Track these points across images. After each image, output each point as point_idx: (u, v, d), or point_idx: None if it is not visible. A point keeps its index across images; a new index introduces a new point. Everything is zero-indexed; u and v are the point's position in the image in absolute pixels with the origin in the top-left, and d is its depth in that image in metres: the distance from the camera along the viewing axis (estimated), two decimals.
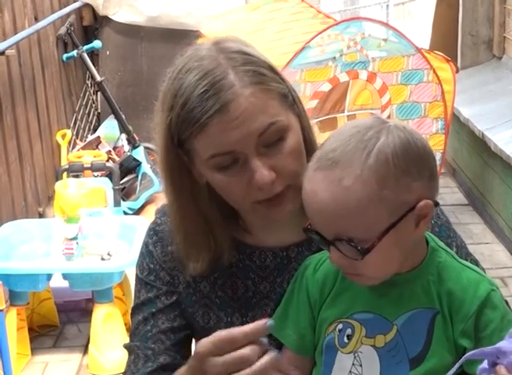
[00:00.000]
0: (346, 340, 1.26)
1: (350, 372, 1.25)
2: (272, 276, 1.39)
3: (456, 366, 1.16)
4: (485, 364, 1.13)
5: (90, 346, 3.35)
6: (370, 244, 1.17)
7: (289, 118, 1.29)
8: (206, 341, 1.16)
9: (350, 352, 1.26)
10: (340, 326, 1.27)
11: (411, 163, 1.18)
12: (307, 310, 1.31)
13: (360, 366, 1.25)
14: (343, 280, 1.28)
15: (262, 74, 1.26)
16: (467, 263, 1.30)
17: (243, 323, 1.36)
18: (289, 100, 1.30)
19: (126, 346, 1.46)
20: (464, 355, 1.18)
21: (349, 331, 1.26)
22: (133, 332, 1.45)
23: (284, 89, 1.29)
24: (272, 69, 1.29)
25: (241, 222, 1.41)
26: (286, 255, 1.39)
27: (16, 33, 4.24)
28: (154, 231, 1.46)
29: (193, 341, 1.46)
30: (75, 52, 5.36)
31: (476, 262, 1.39)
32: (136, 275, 1.47)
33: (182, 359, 1.40)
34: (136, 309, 1.45)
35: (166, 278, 1.43)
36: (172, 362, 1.39)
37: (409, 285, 1.24)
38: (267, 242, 1.40)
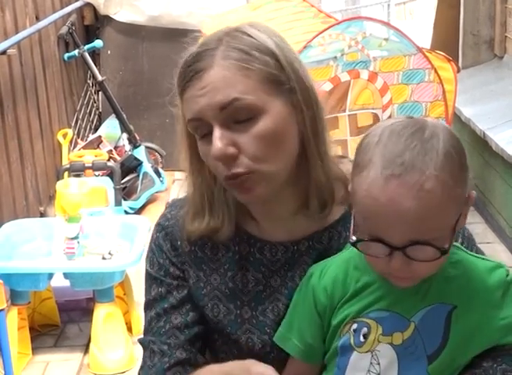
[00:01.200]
0: (362, 339, 1.25)
1: (369, 371, 1.25)
2: (282, 270, 1.39)
3: None
4: None
5: (91, 345, 3.35)
6: (448, 242, 1.18)
7: (271, 103, 1.28)
8: None
9: (367, 351, 1.25)
10: (355, 325, 1.26)
11: (464, 156, 1.22)
12: (315, 318, 1.30)
13: (378, 364, 1.25)
14: (356, 283, 1.28)
15: (248, 54, 1.27)
16: (476, 254, 1.32)
17: (253, 317, 1.39)
18: (284, 88, 1.29)
19: (140, 341, 1.46)
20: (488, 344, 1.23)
21: (365, 330, 1.25)
22: (146, 328, 1.45)
23: (275, 75, 1.28)
24: (272, 55, 1.29)
25: (249, 211, 1.41)
26: (297, 248, 1.39)
27: (17, 33, 4.25)
28: (162, 226, 1.46)
29: None
30: (76, 52, 5.36)
31: (482, 254, 1.40)
32: (147, 270, 1.47)
33: (197, 353, 1.42)
34: (148, 305, 1.46)
35: (176, 272, 1.43)
36: (188, 357, 1.40)
37: (424, 281, 1.24)
38: (277, 236, 1.40)
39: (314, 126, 1.33)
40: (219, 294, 1.41)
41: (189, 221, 1.40)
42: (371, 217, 1.18)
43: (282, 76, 1.29)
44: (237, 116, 1.27)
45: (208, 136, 1.29)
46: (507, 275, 1.27)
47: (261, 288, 1.40)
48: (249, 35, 1.30)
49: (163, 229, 1.46)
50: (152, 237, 1.48)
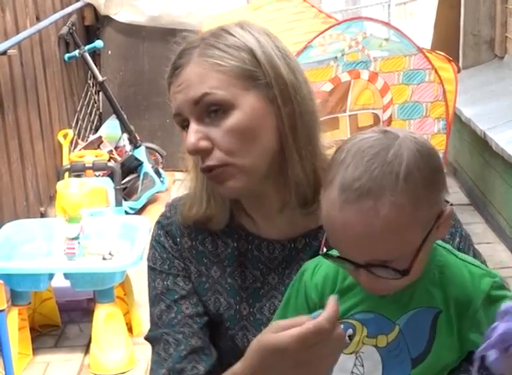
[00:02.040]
0: (347, 339, 1.25)
1: (352, 372, 1.25)
2: (280, 267, 1.41)
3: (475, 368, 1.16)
4: (493, 354, 1.12)
5: (91, 346, 3.35)
6: (408, 263, 1.17)
7: (244, 98, 1.30)
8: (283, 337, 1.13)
9: (351, 353, 1.25)
10: (341, 326, 1.24)
11: (435, 176, 1.18)
12: (307, 313, 1.29)
13: (362, 366, 1.25)
14: (343, 282, 1.28)
15: (223, 51, 1.31)
16: (467, 258, 1.30)
17: (250, 314, 1.40)
18: (259, 83, 1.31)
19: (149, 336, 1.45)
20: (472, 349, 1.19)
21: (350, 331, 1.25)
22: (154, 323, 1.44)
23: (250, 70, 1.31)
24: (250, 52, 1.31)
25: (244, 208, 1.43)
26: (294, 246, 1.40)
27: (17, 33, 4.25)
28: (162, 225, 1.47)
29: None
30: (77, 52, 5.36)
31: (479, 254, 1.40)
32: (149, 267, 1.47)
33: (209, 343, 1.41)
34: (155, 300, 1.45)
35: (181, 265, 1.44)
36: (203, 345, 1.40)
37: (410, 285, 1.23)
38: (273, 234, 1.41)
39: (293, 122, 1.34)
40: (220, 288, 1.42)
41: (186, 209, 1.43)
42: (331, 237, 1.20)
43: (258, 71, 1.31)
44: (210, 111, 1.30)
45: (187, 130, 1.33)
46: (492, 286, 1.24)
47: (258, 285, 1.41)
48: (230, 34, 1.33)
49: (163, 227, 1.47)
50: (153, 235, 1.49)
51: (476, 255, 1.39)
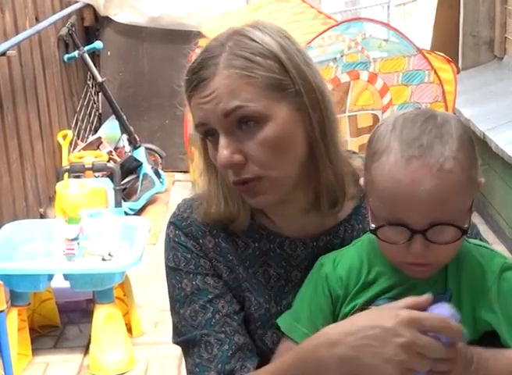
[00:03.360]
0: None
1: None
2: (303, 265, 1.40)
3: None
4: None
5: (91, 347, 3.35)
6: (467, 222, 1.21)
7: (276, 109, 1.28)
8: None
9: None
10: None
11: (473, 142, 1.24)
12: (329, 306, 1.31)
13: None
14: (368, 274, 1.29)
15: (251, 60, 1.27)
16: (478, 242, 1.34)
17: (278, 312, 1.39)
18: (289, 92, 1.29)
19: (184, 340, 1.40)
20: (486, 329, 1.25)
21: None
22: (188, 325, 1.39)
23: (279, 80, 1.28)
24: (276, 59, 1.29)
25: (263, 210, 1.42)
26: (316, 244, 1.40)
27: (17, 34, 4.25)
28: (178, 226, 1.43)
29: None
30: (76, 53, 5.36)
31: (486, 242, 1.41)
32: (172, 268, 1.42)
33: (250, 339, 1.39)
34: (185, 301, 1.40)
35: (208, 264, 1.40)
36: (246, 341, 1.38)
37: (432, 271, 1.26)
38: (295, 233, 1.41)
39: (323, 128, 1.32)
40: (250, 286, 1.41)
41: (205, 208, 1.40)
42: (392, 201, 1.20)
43: (286, 79, 1.29)
44: (241, 124, 1.27)
45: (215, 140, 1.30)
46: (503, 266, 1.28)
47: (283, 283, 1.41)
48: (252, 39, 1.30)
49: (180, 229, 1.43)
50: (169, 236, 1.44)
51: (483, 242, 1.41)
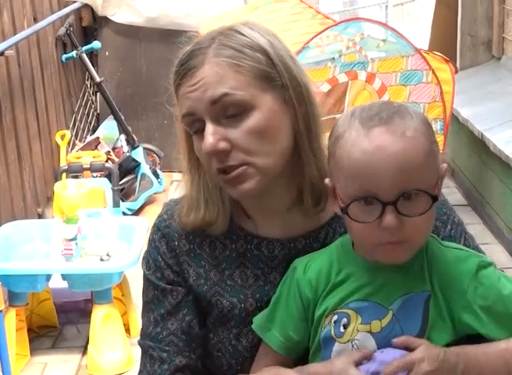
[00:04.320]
0: (342, 329, 1.27)
1: None
2: (281, 266, 1.41)
3: None
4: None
5: (89, 347, 3.35)
6: (436, 190, 1.23)
7: (262, 99, 1.31)
8: None
9: (347, 341, 1.27)
10: (336, 317, 1.28)
11: (432, 128, 1.27)
12: (299, 311, 1.32)
13: None
14: (337, 276, 1.30)
15: (239, 51, 1.30)
16: (451, 244, 1.34)
17: (257, 308, 1.40)
18: (275, 84, 1.32)
19: (139, 344, 1.47)
20: (467, 332, 1.26)
21: (344, 321, 1.27)
22: (144, 331, 1.46)
23: (266, 71, 1.31)
24: (264, 52, 1.32)
25: (243, 208, 1.43)
26: (294, 246, 1.41)
27: (15, 34, 4.24)
28: (158, 227, 1.47)
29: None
30: (74, 53, 5.36)
31: (472, 240, 1.42)
32: (144, 272, 1.48)
33: (197, 358, 1.43)
34: (145, 307, 1.47)
35: (171, 276, 1.44)
36: (188, 363, 1.42)
37: (401, 271, 1.26)
38: (273, 233, 1.42)
39: (307, 122, 1.35)
40: (221, 290, 1.42)
41: (184, 214, 1.42)
42: (360, 174, 1.21)
43: (273, 72, 1.32)
44: (228, 112, 1.30)
45: (201, 132, 1.32)
46: (479, 265, 1.28)
47: (261, 283, 1.41)
48: (241, 33, 1.33)
49: (159, 230, 1.46)
50: (149, 238, 1.49)
51: (468, 240, 1.41)
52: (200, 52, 1.31)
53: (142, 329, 1.47)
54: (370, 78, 4.15)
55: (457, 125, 5.07)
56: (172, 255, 1.44)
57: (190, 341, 1.43)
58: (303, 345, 1.34)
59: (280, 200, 1.39)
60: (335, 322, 1.28)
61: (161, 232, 1.46)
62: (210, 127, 1.30)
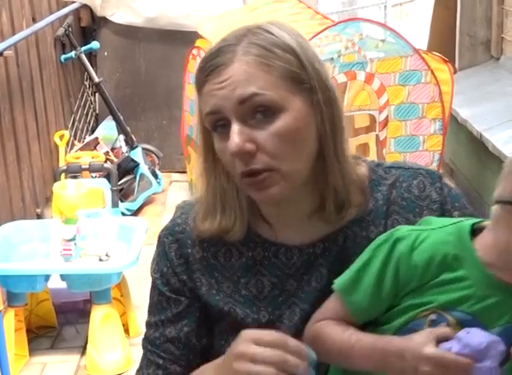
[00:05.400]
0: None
1: None
2: (298, 273, 1.36)
3: None
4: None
5: (88, 347, 3.35)
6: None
7: (291, 101, 1.27)
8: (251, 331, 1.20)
9: None
10: (434, 316, 1.22)
11: None
12: (390, 287, 1.25)
13: None
14: (450, 272, 1.23)
15: (269, 51, 1.26)
16: None
17: (270, 321, 1.36)
18: (304, 86, 1.28)
19: (142, 342, 1.46)
20: None
21: (443, 325, 1.21)
22: (146, 332, 1.45)
23: (296, 73, 1.27)
24: (293, 53, 1.28)
25: (262, 213, 1.39)
26: (313, 251, 1.36)
27: (13, 34, 4.24)
28: (170, 232, 1.42)
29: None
30: (73, 53, 5.36)
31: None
32: (151, 273, 1.45)
33: (194, 369, 1.39)
34: (150, 309, 1.45)
35: (176, 285, 1.41)
36: (183, 372, 1.40)
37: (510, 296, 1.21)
38: (291, 240, 1.37)
39: (333, 126, 1.31)
40: (234, 301, 1.38)
41: (199, 221, 1.38)
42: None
43: (302, 74, 1.28)
44: (256, 112, 1.25)
45: (224, 131, 1.27)
46: None
47: (277, 293, 1.37)
48: (270, 32, 1.29)
49: (171, 235, 1.42)
50: (159, 239, 1.44)
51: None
52: (229, 50, 1.27)
53: (145, 328, 1.46)
54: (369, 78, 4.15)
55: (456, 125, 5.07)
56: (181, 262, 1.40)
57: (187, 351, 1.41)
58: (372, 316, 1.29)
59: (302, 206, 1.35)
60: (432, 321, 1.22)
61: (172, 236, 1.41)
62: (236, 127, 1.25)
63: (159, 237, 1.44)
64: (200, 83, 1.29)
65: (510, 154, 4.09)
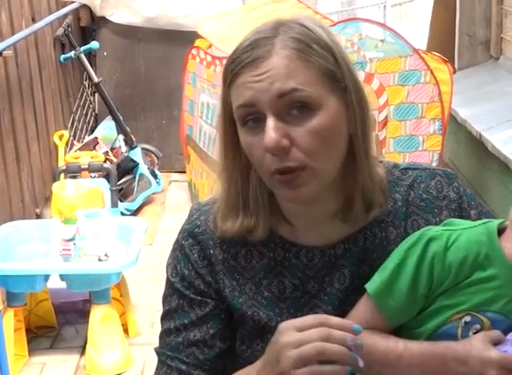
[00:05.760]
0: (471, 334, 1.21)
1: None
2: (319, 275, 1.35)
3: None
4: None
5: (87, 347, 3.35)
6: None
7: (327, 99, 1.25)
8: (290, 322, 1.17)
9: None
10: (468, 318, 1.22)
11: None
12: (424, 287, 1.24)
13: None
14: (482, 271, 1.22)
15: (308, 46, 1.24)
16: None
17: None
18: (340, 86, 1.27)
19: (156, 351, 1.42)
20: None
21: (477, 327, 1.21)
22: (163, 339, 1.40)
23: (333, 71, 1.26)
24: (330, 51, 1.26)
25: (282, 213, 1.37)
26: (334, 252, 1.35)
27: (13, 34, 4.24)
28: (190, 234, 1.40)
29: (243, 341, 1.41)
30: (72, 53, 5.36)
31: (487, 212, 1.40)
32: (168, 278, 1.41)
33: (219, 374, 1.37)
34: (168, 315, 1.41)
35: (201, 287, 1.38)
36: None
37: None
38: (312, 240, 1.36)
39: (364, 127, 1.30)
40: (257, 303, 1.36)
41: (220, 221, 1.36)
42: None
43: (338, 73, 1.26)
44: (292, 108, 1.23)
45: (256, 126, 1.25)
46: None
47: (298, 294, 1.36)
48: (306, 27, 1.27)
49: (192, 237, 1.39)
50: (178, 243, 1.41)
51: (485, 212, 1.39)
52: (267, 42, 1.24)
53: (161, 336, 1.41)
54: (368, 78, 4.15)
55: (456, 125, 5.07)
56: (205, 263, 1.38)
57: (212, 355, 1.37)
58: (406, 319, 1.28)
59: (327, 206, 1.33)
60: (465, 323, 1.22)
61: (193, 239, 1.39)
62: (272, 122, 1.22)
63: (177, 241, 1.42)
64: (233, 75, 1.26)
65: (509, 154, 4.09)
